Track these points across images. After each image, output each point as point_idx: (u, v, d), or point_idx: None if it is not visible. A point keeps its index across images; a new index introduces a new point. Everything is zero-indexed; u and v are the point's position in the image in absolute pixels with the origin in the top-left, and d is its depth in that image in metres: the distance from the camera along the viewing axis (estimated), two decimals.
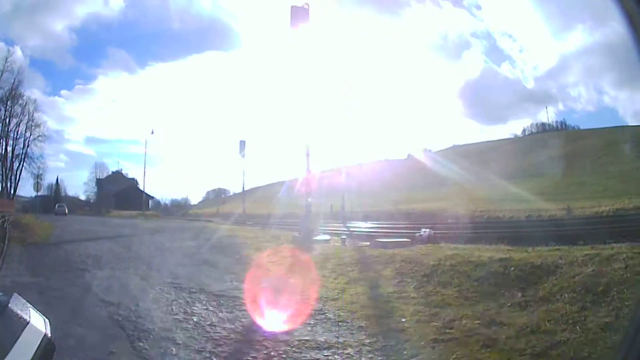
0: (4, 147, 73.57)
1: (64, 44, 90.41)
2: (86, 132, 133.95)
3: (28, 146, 75.60)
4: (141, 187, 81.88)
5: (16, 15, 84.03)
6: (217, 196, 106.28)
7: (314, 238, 20.71)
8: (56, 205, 75.83)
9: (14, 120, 72.89)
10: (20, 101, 72.34)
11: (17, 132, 73.76)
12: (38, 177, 35.17)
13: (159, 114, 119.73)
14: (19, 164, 75.79)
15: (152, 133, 65.12)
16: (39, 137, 74.82)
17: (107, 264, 15.83)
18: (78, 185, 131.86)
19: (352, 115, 79.21)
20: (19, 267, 14.64)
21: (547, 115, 77.47)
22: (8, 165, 74.40)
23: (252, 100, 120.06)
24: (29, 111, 73.80)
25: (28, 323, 1.42)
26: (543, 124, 76.55)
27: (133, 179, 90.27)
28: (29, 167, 75.43)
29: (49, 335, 1.49)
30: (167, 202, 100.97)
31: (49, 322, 1.55)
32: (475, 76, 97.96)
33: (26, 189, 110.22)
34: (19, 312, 1.42)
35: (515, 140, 73.24)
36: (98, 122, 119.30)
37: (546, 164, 46.33)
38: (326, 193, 40.29)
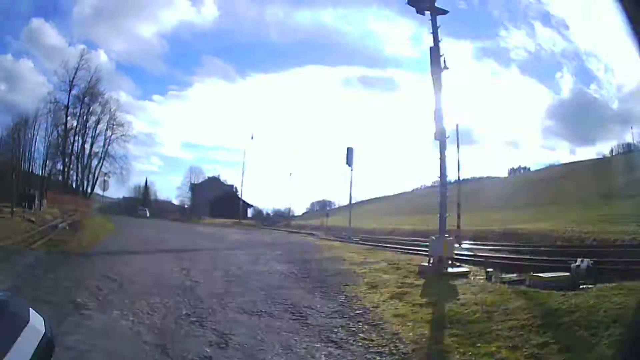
0: (80, 144, 73.36)
1: (154, 50, 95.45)
2: (182, 137, 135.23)
3: (109, 145, 75.18)
4: (239, 195, 77.42)
5: (97, 19, 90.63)
6: (322, 208, 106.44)
7: (449, 270, 12.88)
8: (139, 208, 77.68)
9: (93, 118, 73.46)
10: (100, 99, 73.30)
11: (96, 130, 74.25)
12: (105, 176, 30.10)
13: (260, 123, 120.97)
14: (99, 163, 75.33)
15: (252, 138, 61.50)
16: (122, 137, 75.17)
17: (123, 301, 9.14)
18: (170, 189, 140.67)
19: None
20: None
21: (633, 136, 69.63)
22: (85, 163, 74.05)
23: (358, 113, 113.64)
24: (110, 110, 74.77)
25: (27, 323, 1.38)
26: (628, 145, 72.23)
27: (231, 185, 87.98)
28: (111, 166, 74.85)
29: (48, 335, 1.44)
30: (269, 211, 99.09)
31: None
32: (566, 96, 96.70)
33: (115, 190, 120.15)
34: (18, 311, 1.39)
35: (604, 160, 71.34)
36: (194, 128, 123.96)
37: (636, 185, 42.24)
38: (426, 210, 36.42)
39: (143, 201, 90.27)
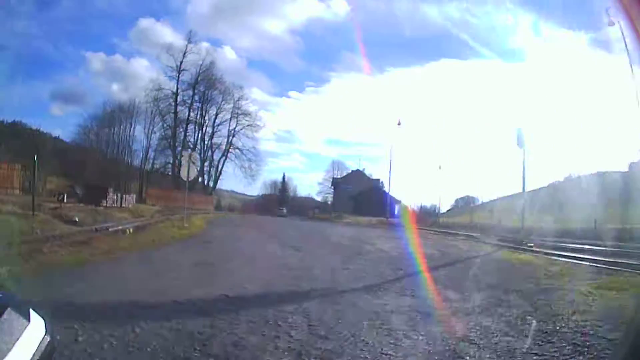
0: (197, 136, 67.35)
1: (287, 46, 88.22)
2: (323, 133, 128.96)
3: (233, 136, 68.64)
4: (386, 189, 68.81)
5: (216, 16, 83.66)
6: (466, 204, 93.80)
7: None
8: (278, 208, 73.50)
9: (212, 108, 67.19)
10: (218, 86, 66.17)
11: (216, 120, 67.84)
12: (191, 159, 24.45)
13: (401, 117, 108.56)
14: (223, 156, 69.09)
15: (399, 124, 52.49)
16: (249, 127, 68.27)
17: None
18: (313, 185, 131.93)
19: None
20: None
21: None
22: (204, 156, 66.86)
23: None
24: (232, 97, 67.44)
25: (28, 324, 1.40)
26: None
27: (377, 179, 78.60)
28: (237, 160, 68.85)
29: (49, 336, 1.46)
30: (414, 208, 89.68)
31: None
32: None
33: (254, 187, 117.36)
34: (19, 313, 1.40)
35: None
36: (335, 124, 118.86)
37: None
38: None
39: (280, 198, 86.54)
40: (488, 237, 31.71)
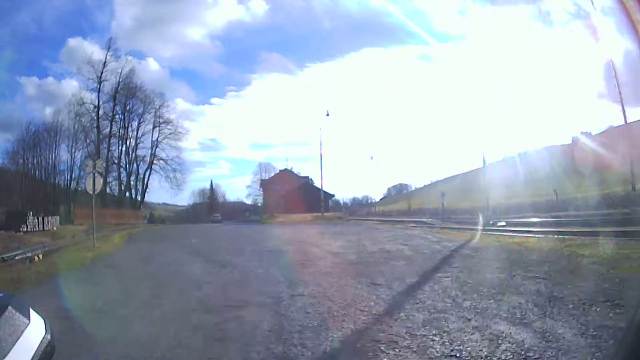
0: (120, 149, 62.52)
1: (208, 52, 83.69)
2: (248, 137, 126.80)
3: (156, 146, 64.08)
4: (317, 185, 65.84)
5: (140, 29, 79.97)
6: (399, 192, 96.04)
7: None
8: (212, 215, 70.68)
9: (135, 120, 62.46)
10: (138, 94, 61.78)
11: (139, 131, 63.05)
12: (98, 173, 19.57)
13: (323, 114, 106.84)
14: (147, 168, 64.46)
15: (328, 115, 48.01)
16: (171, 135, 63.74)
17: None
18: (242, 190, 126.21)
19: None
20: None
21: None
22: (129, 169, 62.96)
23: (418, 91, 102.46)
24: (154, 107, 63.05)
25: (28, 324, 1.39)
26: None
27: (306, 177, 75.84)
28: (162, 170, 64.18)
29: (49, 336, 1.45)
30: (346, 201, 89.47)
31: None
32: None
33: (184, 197, 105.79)
34: (19, 313, 1.39)
35: None
36: (259, 127, 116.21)
37: None
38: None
39: (210, 204, 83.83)
40: (443, 222, 28.47)
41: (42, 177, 53.44)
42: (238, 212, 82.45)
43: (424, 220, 33.61)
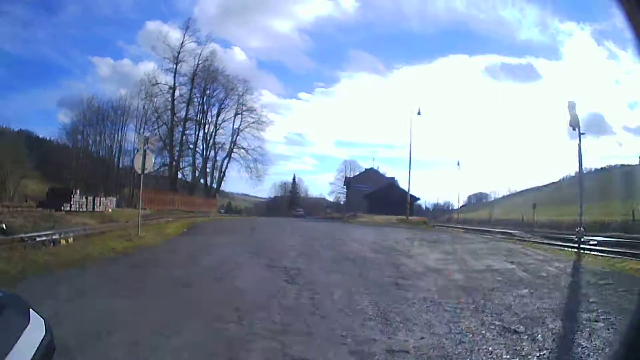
0: (198, 135, 60.80)
1: (296, 45, 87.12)
2: (334, 134, 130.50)
3: (237, 134, 62.50)
4: (402, 187, 61.41)
5: (224, 17, 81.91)
6: (479, 200, 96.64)
7: None
8: (294, 210, 70.82)
9: (215, 105, 60.98)
10: (220, 79, 60.33)
11: (218, 117, 61.72)
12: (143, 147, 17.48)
13: (414, 113, 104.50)
14: (227, 156, 62.76)
15: (419, 114, 45.01)
16: (254, 124, 62.23)
17: None
18: (324, 186, 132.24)
19: None
20: None
21: None
22: (206, 155, 60.76)
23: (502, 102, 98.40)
24: (237, 93, 61.60)
25: (28, 324, 1.39)
26: None
27: (392, 177, 73.06)
28: (243, 160, 62.39)
29: (49, 336, 1.47)
30: (428, 205, 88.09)
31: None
32: None
33: (264, 189, 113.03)
34: (19, 313, 1.41)
35: None
36: (346, 125, 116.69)
37: None
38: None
39: (291, 198, 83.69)
40: (532, 234, 26.37)
41: (105, 155, 52.22)
42: (319, 208, 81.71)
43: (511, 231, 31.49)
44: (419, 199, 67.17)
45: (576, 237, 18.86)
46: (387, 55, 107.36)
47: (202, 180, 62.62)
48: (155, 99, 55.72)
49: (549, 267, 12.01)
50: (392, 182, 69.61)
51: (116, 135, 52.99)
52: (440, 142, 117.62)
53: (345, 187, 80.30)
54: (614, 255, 14.30)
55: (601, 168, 55.37)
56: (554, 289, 9.18)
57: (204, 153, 61.47)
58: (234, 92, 61.55)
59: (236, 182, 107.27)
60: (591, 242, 19.09)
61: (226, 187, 68.36)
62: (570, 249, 16.79)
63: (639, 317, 1.77)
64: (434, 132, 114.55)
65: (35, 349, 1.34)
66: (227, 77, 60.87)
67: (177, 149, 57.72)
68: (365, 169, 76.73)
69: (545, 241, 21.23)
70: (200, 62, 58.02)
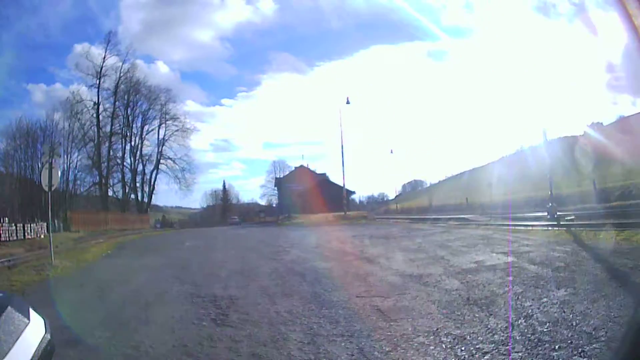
0: (124, 148, 56.52)
1: (218, 54, 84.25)
2: (260, 137, 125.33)
3: (163, 144, 58.65)
4: (335, 182, 59.87)
5: (148, 33, 78.12)
6: (414, 188, 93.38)
7: None
8: (230, 217, 67.60)
9: (139, 117, 57.08)
10: (143, 91, 56.80)
11: (143, 129, 57.73)
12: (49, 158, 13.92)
13: (335, 112, 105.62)
14: (154, 168, 58.79)
15: (348, 102, 41.72)
16: (178, 132, 58.47)
17: None
18: (255, 190, 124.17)
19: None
20: None
21: None
22: (135, 169, 56.73)
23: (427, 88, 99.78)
24: (160, 102, 57.94)
25: (28, 324, 1.38)
26: None
27: (323, 174, 70.31)
28: (170, 170, 58.85)
29: (49, 336, 1.44)
30: (362, 199, 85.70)
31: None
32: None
33: (197, 200, 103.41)
34: (19, 313, 1.38)
35: None
36: (272, 127, 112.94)
37: None
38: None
39: (223, 206, 79.72)
40: (489, 217, 23.71)
41: (38, 179, 46.10)
42: (252, 214, 77.89)
43: (464, 216, 28.74)
44: (354, 192, 64.98)
45: (548, 214, 16.27)
46: (308, 54, 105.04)
47: (132, 196, 58.48)
48: (80, 117, 51.75)
49: (554, 253, 9.20)
50: (324, 177, 66.22)
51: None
52: (370, 133, 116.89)
53: (276, 188, 76.47)
54: (608, 229, 11.66)
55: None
56: (600, 283, 6.48)
57: (132, 167, 57.18)
58: (157, 102, 58.04)
59: (168, 194, 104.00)
60: (568, 217, 16.97)
61: (158, 200, 64.86)
62: (551, 228, 14.12)
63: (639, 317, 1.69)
64: (363, 123, 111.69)
65: (35, 348, 1.30)
66: (149, 88, 57.30)
67: (105, 165, 53.16)
68: (295, 168, 72.76)
69: (512, 223, 18.39)
70: (121, 74, 54.43)
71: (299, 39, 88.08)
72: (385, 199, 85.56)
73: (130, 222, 48.92)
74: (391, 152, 63.75)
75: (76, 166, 50.81)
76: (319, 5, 74.44)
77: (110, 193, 55.52)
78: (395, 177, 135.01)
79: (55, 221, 38.36)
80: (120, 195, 56.29)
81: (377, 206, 78.99)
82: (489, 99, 78.07)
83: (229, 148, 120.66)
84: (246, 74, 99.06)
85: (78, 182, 51.43)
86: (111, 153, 54.71)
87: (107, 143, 54.16)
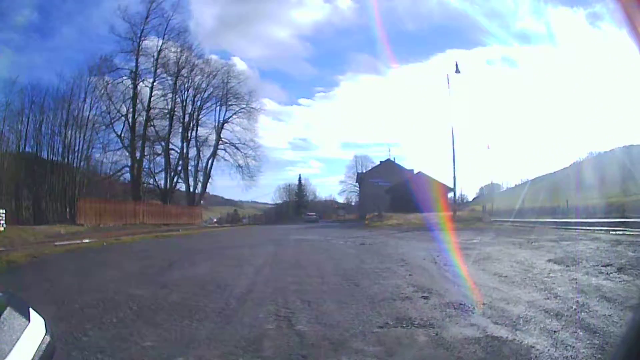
0: (170, 128, 46.32)
1: (297, 52, 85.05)
2: (339, 137, 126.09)
3: (221, 126, 49.19)
4: (432, 177, 49.50)
5: (223, 27, 79.92)
6: (490, 192, 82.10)
7: None
8: (306, 213, 60.30)
9: (190, 92, 47.44)
10: (194, 61, 46.87)
11: (194, 105, 47.98)
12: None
13: (416, 113, 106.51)
14: (211, 155, 49.14)
15: (458, 71, 30.96)
16: (242, 111, 49.24)
17: None
18: (333, 189, 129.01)
19: None
20: None
21: None
22: (182, 152, 46.78)
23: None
24: (222, 76, 48.51)
25: (28, 324, 1.31)
26: None
27: (412, 170, 58.71)
28: (232, 158, 49.29)
29: (49, 336, 1.36)
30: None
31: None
32: None
33: (271, 195, 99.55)
34: (19, 313, 1.32)
35: None
36: (350, 127, 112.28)
37: None
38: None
39: (298, 202, 72.72)
40: None
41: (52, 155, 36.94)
42: (330, 211, 70.97)
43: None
44: (452, 189, 54.33)
45: None
46: (385, 55, 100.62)
47: (175, 184, 49.01)
48: (112, 87, 41.97)
49: None
50: (417, 174, 54.71)
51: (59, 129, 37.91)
52: (451, 134, 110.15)
53: (357, 184, 67.31)
54: None
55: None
56: None
57: (183, 151, 47.62)
58: (216, 77, 48.48)
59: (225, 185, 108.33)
60: None
61: (233, 195, 62.10)
62: None
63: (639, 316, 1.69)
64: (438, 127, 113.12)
65: (36, 348, 1.23)
66: (207, 59, 48.22)
67: (140, 145, 43.29)
68: (381, 162, 62.76)
69: None
70: (166, 35, 44.20)
71: (375, 40, 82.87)
72: (464, 200, 76.30)
73: (172, 215, 40.40)
74: (488, 147, 54.52)
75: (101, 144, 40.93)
76: (394, 8, 71.45)
77: (151, 182, 46.55)
78: (472, 178, 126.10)
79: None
80: (163, 184, 46.56)
81: (457, 207, 68.47)
82: (558, 106, 70.78)
83: (307, 147, 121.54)
84: (326, 74, 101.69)
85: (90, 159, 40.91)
86: (148, 131, 44.14)
87: (138, 119, 43.46)
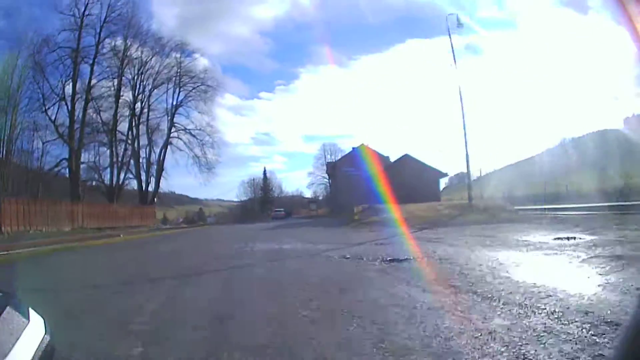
0: (115, 114, 39.56)
1: (258, 48, 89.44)
2: (301, 130, 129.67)
3: (174, 110, 43.64)
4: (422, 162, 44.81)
5: (185, 27, 78.57)
6: (461, 181, 79.97)
7: None
8: (273, 210, 57.16)
9: (140, 73, 41.56)
10: (141, 36, 41.54)
11: (143, 86, 42.09)
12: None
13: (373, 105, 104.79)
14: (164, 146, 43.11)
15: (460, 25, 25.48)
16: (195, 92, 43.79)
17: None
18: (298, 183, 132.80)
19: None
20: None
21: None
22: (127, 142, 40.73)
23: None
24: (174, 59, 43.60)
25: (28, 324, 1.32)
26: None
27: (387, 157, 53.77)
28: (187, 146, 44.39)
29: (49, 336, 1.37)
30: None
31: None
32: None
33: (235, 192, 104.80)
34: (18, 313, 1.32)
35: None
36: (312, 120, 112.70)
37: None
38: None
39: (264, 198, 67.90)
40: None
41: None
42: (299, 206, 66.05)
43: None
44: (446, 174, 49.73)
45: None
46: (346, 47, 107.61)
47: (120, 179, 41.80)
48: (48, 67, 35.46)
49: None
50: (404, 157, 48.59)
51: None
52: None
53: (328, 175, 61.48)
54: None
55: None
56: None
57: (128, 140, 40.94)
58: (166, 56, 42.91)
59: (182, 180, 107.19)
60: None
61: (196, 193, 56.65)
62: None
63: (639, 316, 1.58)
64: (397, 117, 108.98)
65: (35, 348, 1.24)
66: (155, 36, 42.78)
67: (78, 134, 36.04)
68: (354, 148, 56.05)
69: None
70: (110, 10, 37.81)
71: (334, 33, 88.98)
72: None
73: (120, 217, 34.18)
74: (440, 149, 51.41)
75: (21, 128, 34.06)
76: (356, 0, 71.46)
77: (82, 175, 39.18)
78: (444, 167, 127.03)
79: None
80: (109, 179, 39.71)
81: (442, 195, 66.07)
82: (525, 93, 75.92)
83: (270, 142, 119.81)
84: (286, 67, 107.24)
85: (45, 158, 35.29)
86: (92, 118, 37.73)
87: (77, 105, 36.54)
